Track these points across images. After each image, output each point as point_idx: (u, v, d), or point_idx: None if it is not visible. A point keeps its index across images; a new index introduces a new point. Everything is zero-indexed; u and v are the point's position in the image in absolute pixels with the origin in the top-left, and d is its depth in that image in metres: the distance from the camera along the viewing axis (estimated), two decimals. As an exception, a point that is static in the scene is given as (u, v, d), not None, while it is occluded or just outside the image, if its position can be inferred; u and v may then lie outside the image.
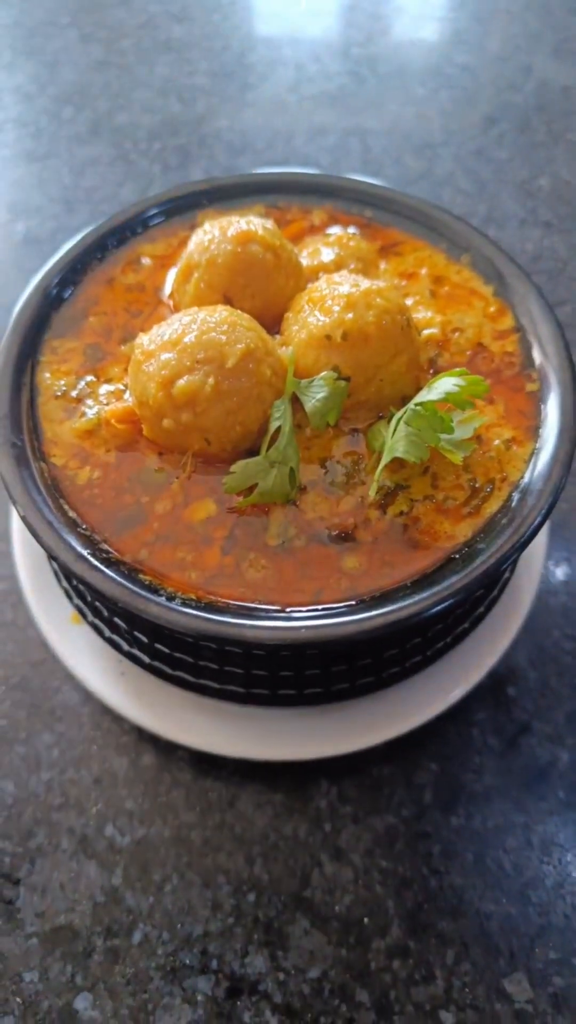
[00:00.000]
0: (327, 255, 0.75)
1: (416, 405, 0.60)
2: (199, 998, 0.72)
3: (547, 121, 1.45)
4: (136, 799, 0.82)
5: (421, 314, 0.73)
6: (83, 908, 0.76)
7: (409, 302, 0.74)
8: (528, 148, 1.41)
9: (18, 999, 0.72)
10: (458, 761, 0.84)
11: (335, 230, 0.78)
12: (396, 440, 0.60)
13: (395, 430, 0.61)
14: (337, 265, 0.74)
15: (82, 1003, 0.72)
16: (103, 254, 0.78)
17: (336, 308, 0.62)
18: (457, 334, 0.72)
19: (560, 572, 0.96)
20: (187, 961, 0.74)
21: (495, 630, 0.81)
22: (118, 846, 0.79)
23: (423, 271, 0.76)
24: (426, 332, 0.71)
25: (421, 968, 0.73)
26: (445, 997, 0.72)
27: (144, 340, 0.63)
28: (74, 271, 0.76)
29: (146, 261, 0.77)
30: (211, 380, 0.59)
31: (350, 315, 0.62)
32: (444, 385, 0.59)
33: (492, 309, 0.74)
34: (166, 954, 0.74)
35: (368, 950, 0.74)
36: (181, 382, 0.59)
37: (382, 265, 0.77)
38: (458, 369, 0.61)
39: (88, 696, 0.86)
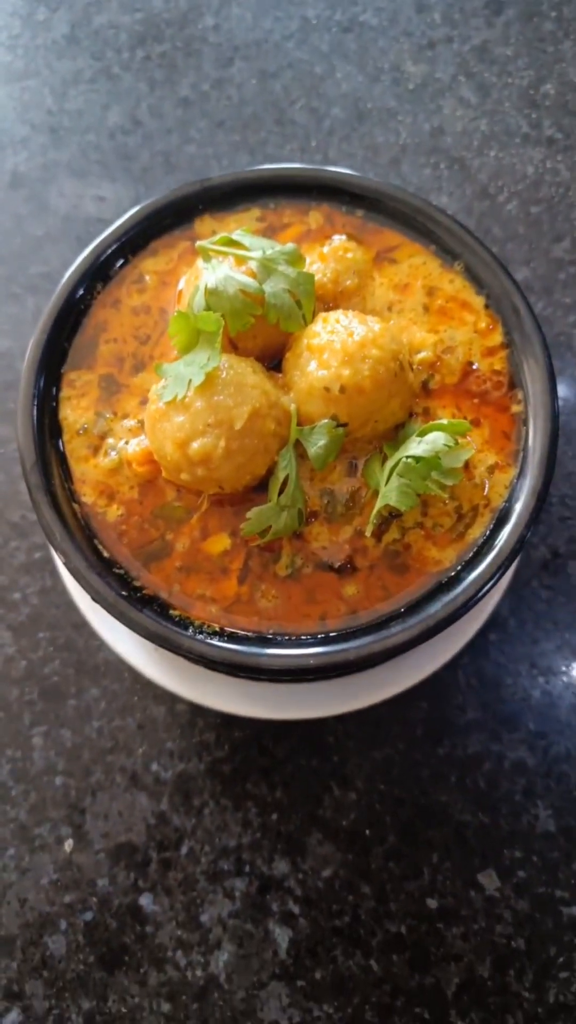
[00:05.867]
0: (324, 272, 0.77)
1: (408, 458, 0.67)
2: (236, 894, 0.91)
3: (556, 4, 1.34)
4: (175, 740, 0.97)
5: (413, 335, 0.76)
6: (139, 829, 0.94)
7: (401, 322, 0.77)
8: (535, 41, 1.31)
9: (94, 899, 0.91)
10: (445, 700, 0.99)
11: (333, 240, 0.80)
12: (389, 489, 0.67)
13: (388, 478, 0.68)
14: (334, 282, 0.77)
15: (145, 900, 0.91)
16: (107, 272, 0.80)
17: (334, 363, 0.67)
18: (448, 354, 0.76)
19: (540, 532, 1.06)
20: (225, 867, 0.92)
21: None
22: (163, 779, 0.96)
23: (417, 283, 0.79)
24: (419, 356, 0.76)
25: (411, 867, 0.92)
26: (430, 888, 0.91)
27: (157, 396, 0.68)
28: (82, 297, 0.78)
29: (148, 279, 0.80)
30: (222, 443, 0.65)
31: (346, 371, 0.67)
32: (435, 444, 0.65)
33: (483, 324, 0.78)
34: (208, 862, 0.93)
35: (369, 855, 0.93)
36: (195, 445, 0.66)
37: (377, 279, 0.79)
38: (444, 422, 0.67)
39: (126, 657, 1.00)
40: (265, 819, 0.94)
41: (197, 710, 0.98)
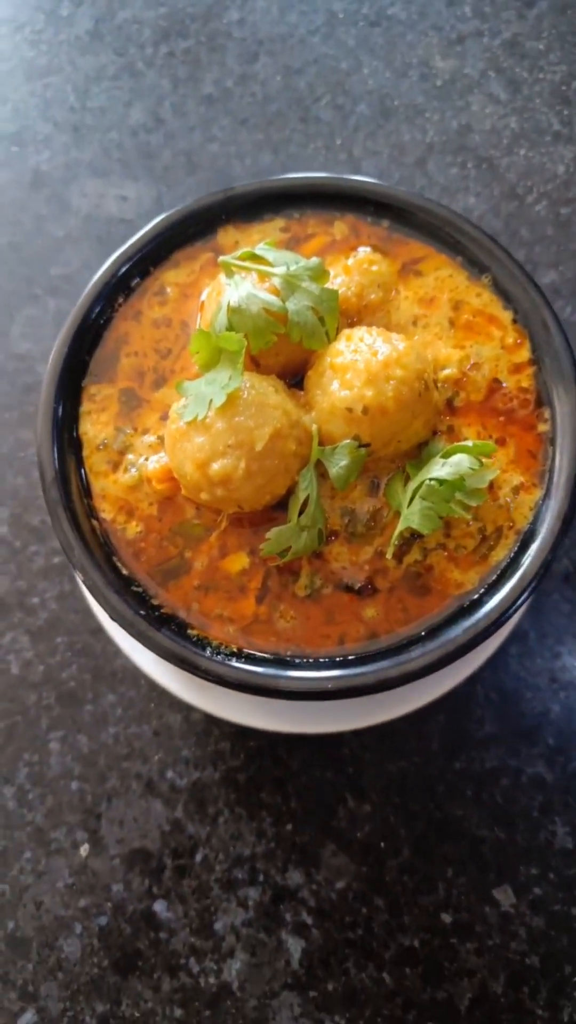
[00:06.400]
0: (349, 285, 0.76)
1: (431, 480, 0.65)
2: (250, 903, 0.92)
3: (593, -4, 1.30)
4: (190, 748, 0.98)
5: (439, 351, 0.75)
6: (153, 835, 0.94)
7: (426, 337, 0.76)
8: (568, 34, 1.28)
9: (109, 903, 0.92)
10: (462, 713, 0.98)
11: (357, 252, 0.78)
12: (412, 512, 0.66)
13: (411, 500, 0.67)
14: (358, 296, 0.76)
15: (159, 907, 0.92)
16: (128, 284, 0.79)
17: (357, 383, 0.66)
18: (474, 371, 0.75)
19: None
20: (239, 876, 0.93)
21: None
22: (178, 787, 0.96)
23: (444, 296, 0.77)
24: (444, 373, 0.74)
25: (426, 881, 0.92)
26: (445, 902, 0.91)
27: (178, 415, 0.68)
28: (103, 308, 0.77)
29: (170, 291, 0.79)
30: (242, 464, 0.65)
31: (369, 392, 0.66)
32: (460, 466, 0.64)
33: (510, 340, 0.76)
34: (222, 870, 0.93)
35: (383, 867, 0.92)
36: (215, 466, 0.65)
37: (402, 292, 0.78)
38: (469, 444, 0.66)
39: (143, 664, 1.00)
40: (279, 829, 0.94)
41: (213, 719, 0.98)
